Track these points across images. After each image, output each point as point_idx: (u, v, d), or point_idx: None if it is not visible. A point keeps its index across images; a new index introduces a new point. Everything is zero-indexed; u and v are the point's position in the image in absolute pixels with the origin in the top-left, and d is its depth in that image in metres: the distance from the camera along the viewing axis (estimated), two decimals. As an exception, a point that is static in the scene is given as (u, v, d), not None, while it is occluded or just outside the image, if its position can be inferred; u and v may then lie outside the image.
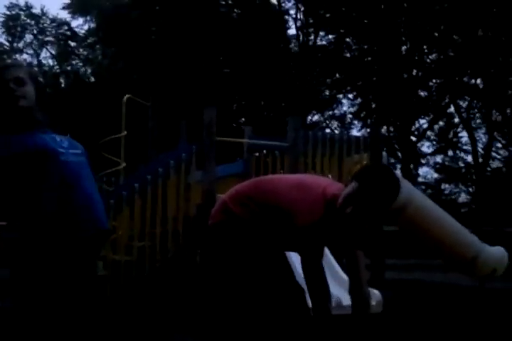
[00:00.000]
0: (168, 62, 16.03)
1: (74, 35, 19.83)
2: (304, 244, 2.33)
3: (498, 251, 4.88)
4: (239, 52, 16.89)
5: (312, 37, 18.84)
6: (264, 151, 6.36)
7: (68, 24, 19.74)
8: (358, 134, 17.70)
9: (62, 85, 18.72)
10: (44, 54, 20.83)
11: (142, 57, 16.37)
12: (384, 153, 6.35)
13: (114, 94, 12.38)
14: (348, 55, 18.96)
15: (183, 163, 5.21)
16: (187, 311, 4.77)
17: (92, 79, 18.82)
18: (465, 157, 20.63)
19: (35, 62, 20.29)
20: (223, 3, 18.30)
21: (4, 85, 2.02)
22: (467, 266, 5.72)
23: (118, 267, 4.78)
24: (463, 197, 21.56)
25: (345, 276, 4.44)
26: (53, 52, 20.64)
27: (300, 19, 18.75)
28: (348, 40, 18.74)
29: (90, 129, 14.37)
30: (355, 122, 20.25)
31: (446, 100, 18.76)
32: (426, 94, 18.89)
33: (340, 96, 20.02)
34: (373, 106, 19.06)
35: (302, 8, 18.62)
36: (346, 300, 3.75)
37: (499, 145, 19.95)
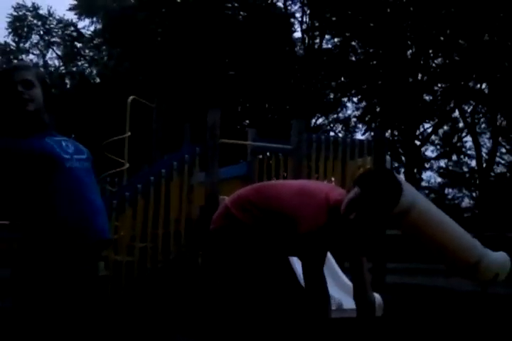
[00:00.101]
0: (173, 63, 16.06)
1: (80, 36, 19.89)
2: (306, 250, 2.32)
3: (500, 256, 4.85)
4: (244, 55, 16.91)
5: (318, 40, 18.87)
6: (268, 154, 6.37)
7: (75, 25, 19.82)
8: (362, 138, 17.70)
9: (68, 86, 18.77)
10: (50, 55, 20.93)
11: (148, 59, 16.40)
12: (388, 157, 6.34)
13: (119, 95, 12.42)
14: (353, 58, 18.96)
15: (187, 164, 5.22)
16: (189, 312, 4.77)
17: (98, 80, 18.86)
18: (469, 162, 20.64)
19: (41, 62, 20.37)
20: (229, 5, 18.34)
21: (12, 88, 2.00)
22: (469, 270, 5.70)
23: (119, 267, 4.78)
24: (466, 202, 21.54)
25: (346, 280, 4.43)
26: (59, 52, 20.71)
27: (306, 22, 18.79)
28: (353, 43, 18.76)
29: (95, 130, 14.40)
30: (360, 126, 20.27)
31: (451, 105, 18.74)
32: (431, 98, 18.87)
33: (345, 99, 20.04)
34: (378, 109, 19.06)
35: (308, 12, 18.65)
36: (347, 303, 3.75)
37: (503, 150, 19.94)
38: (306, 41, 18.73)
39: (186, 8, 16.55)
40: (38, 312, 1.87)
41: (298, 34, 19.34)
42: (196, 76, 16.00)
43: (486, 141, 19.84)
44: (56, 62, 21.01)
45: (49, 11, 20.00)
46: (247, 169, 6.35)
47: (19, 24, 19.66)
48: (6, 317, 1.91)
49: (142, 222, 4.98)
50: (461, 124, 19.61)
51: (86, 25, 21.74)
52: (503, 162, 20.18)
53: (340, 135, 19.31)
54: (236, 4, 18.51)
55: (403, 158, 18.87)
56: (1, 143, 1.96)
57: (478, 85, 18.47)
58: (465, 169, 20.93)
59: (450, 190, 21.83)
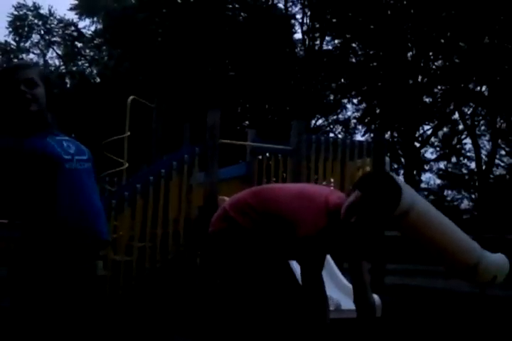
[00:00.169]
0: (173, 64, 16.07)
1: (80, 35, 19.90)
2: (305, 254, 2.32)
3: (499, 258, 4.85)
4: (244, 56, 16.92)
5: (318, 41, 18.87)
6: (267, 154, 6.37)
7: (75, 25, 19.84)
8: (362, 139, 17.70)
9: (68, 85, 18.77)
10: (50, 54, 20.93)
11: (148, 59, 16.41)
12: (387, 159, 6.34)
13: (119, 95, 12.42)
14: (353, 60, 18.97)
15: (186, 164, 5.22)
16: (187, 312, 4.77)
17: (98, 79, 18.87)
18: (468, 164, 20.64)
19: (41, 62, 20.36)
20: (230, 6, 18.34)
21: (15, 87, 1.98)
22: (468, 272, 5.69)
23: (118, 267, 4.78)
24: (465, 204, 21.53)
25: (345, 280, 4.43)
26: (60, 52, 20.73)
27: (306, 24, 18.80)
28: (353, 45, 18.76)
29: (94, 129, 14.39)
30: (359, 127, 20.27)
31: (451, 107, 18.75)
32: (431, 100, 18.88)
33: (345, 100, 20.04)
34: (378, 111, 19.07)
35: (309, 13, 18.66)
36: (345, 303, 3.75)
37: (503, 152, 19.94)
38: (307, 42, 18.74)
39: (187, 8, 16.56)
40: (36, 311, 1.87)
41: (298, 35, 19.43)
42: (196, 76, 16.00)
43: (485, 143, 19.87)
44: (56, 62, 21.04)
45: (50, 11, 20.04)
46: (247, 170, 6.36)
47: (20, 23, 19.67)
48: (5, 317, 1.90)
49: (141, 221, 4.98)
50: (460, 126, 19.63)
51: (86, 25, 21.74)
52: (502, 164, 20.20)
53: (339, 136, 19.31)
54: (237, 5, 18.52)
55: (403, 160, 18.88)
56: (4, 143, 1.95)
57: (478, 87, 18.49)
58: (464, 171, 20.94)
59: (449, 192, 21.85)
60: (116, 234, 4.92)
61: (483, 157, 19.19)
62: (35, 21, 19.94)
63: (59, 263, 1.90)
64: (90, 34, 19.69)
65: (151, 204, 5.02)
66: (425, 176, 21.31)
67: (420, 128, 18.97)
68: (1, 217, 1.99)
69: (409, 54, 18.09)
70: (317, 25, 18.68)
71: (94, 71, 19.44)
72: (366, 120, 19.35)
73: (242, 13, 18.51)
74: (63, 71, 19.92)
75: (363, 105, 19.54)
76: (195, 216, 5.24)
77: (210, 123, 5.23)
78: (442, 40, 17.32)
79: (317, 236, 2.26)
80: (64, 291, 1.90)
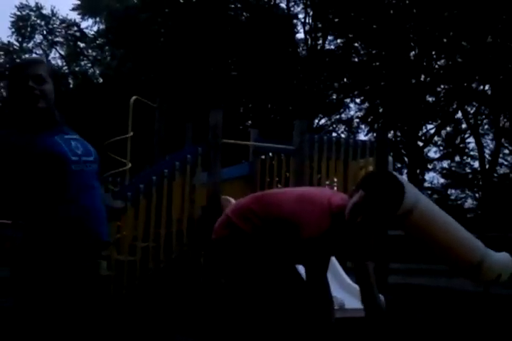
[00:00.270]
0: (176, 64, 16.07)
1: (83, 36, 19.92)
2: (309, 256, 2.31)
3: (503, 257, 4.84)
4: (247, 56, 16.92)
5: (320, 41, 18.85)
6: (270, 154, 6.37)
7: (78, 25, 19.86)
8: (365, 138, 17.68)
9: (71, 86, 18.80)
10: (53, 54, 20.95)
11: (150, 59, 16.42)
12: (390, 158, 6.33)
13: (122, 95, 12.42)
14: (356, 59, 18.95)
15: (189, 164, 5.22)
16: (189, 312, 4.77)
17: (101, 80, 18.89)
18: (472, 163, 20.60)
19: (44, 62, 20.37)
20: (232, 6, 18.34)
21: (23, 83, 1.97)
22: (472, 271, 5.69)
23: (122, 267, 4.79)
24: (469, 203, 21.49)
25: (348, 280, 4.43)
26: (62, 52, 20.75)
27: (309, 23, 18.77)
28: (356, 44, 18.74)
29: (97, 129, 14.41)
30: (362, 126, 20.25)
31: (454, 106, 18.72)
32: (434, 99, 18.85)
33: (348, 100, 20.02)
34: (380, 110, 19.04)
35: (311, 13, 18.64)
36: (349, 303, 3.75)
37: (506, 151, 19.90)
38: (309, 42, 18.72)
39: (189, 8, 16.56)
40: (39, 311, 1.87)
41: (301, 35, 19.33)
42: (199, 76, 16.01)
43: (488, 142, 19.83)
44: (59, 62, 21.06)
45: (52, 11, 20.07)
46: (249, 169, 6.36)
47: (22, 24, 19.70)
48: (8, 316, 1.90)
49: (144, 221, 4.99)
50: (464, 125, 19.60)
51: (89, 25, 21.78)
52: (506, 163, 20.16)
53: (342, 136, 19.30)
54: (239, 5, 18.52)
55: (406, 159, 18.85)
56: (16, 139, 1.94)
57: (481, 86, 18.45)
58: (468, 170, 20.90)
59: (453, 191, 21.81)
60: (120, 234, 4.93)
61: (487, 156, 19.17)
62: (38, 21, 19.97)
63: (60, 263, 1.90)
64: (93, 34, 19.73)
65: (154, 205, 5.02)
66: (429, 175, 21.29)
67: (423, 127, 18.95)
68: (5, 216, 1.99)
69: (412, 53, 18.07)
70: (319, 25, 18.67)
71: (97, 71, 19.48)
72: (369, 119, 19.32)
73: (244, 13, 18.51)
74: (66, 71, 19.96)
75: (366, 104, 19.52)
76: (199, 216, 5.24)
77: (212, 123, 5.23)
78: (445, 40, 17.28)
79: (321, 237, 2.26)
80: (66, 291, 1.90)
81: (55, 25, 20.14)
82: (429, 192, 20.43)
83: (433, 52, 17.96)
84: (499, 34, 16.32)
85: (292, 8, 18.89)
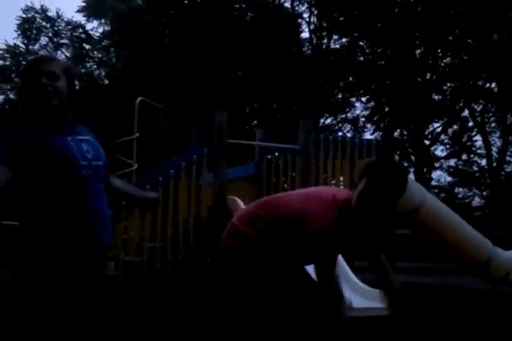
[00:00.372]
0: (181, 65, 16.10)
1: (88, 37, 19.99)
2: (318, 252, 2.30)
3: (511, 255, 4.80)
4: (252, 56, 16.92)
5: (325, 40, 18.83)
6: (276, 154, 6.36)
7: (83, 27, 19.93)
8: (371, 137, 17.65)
9: (77, 87, 18.86)
10: (59, 56, 21.02)
11: (155, 60, 16.45)
12: (396, 157, 6.31)
13: (127, 96, 12.45)
14: (361, 58, 18.92)
15: (195, 165, 5.23)
16: (196, 312, 4.77)
17: (106, 81, 18.95)
18: (479, 161, 20.52)
19: (50, 64, 20.43)
20: (236, 6, 18.35)
21: (37, 80, 1.97)
22: (480, 269, 5.66)
23: (129, 268, 4.80)
24: (477, 201, 21.42)
25: (355, 279, 4.42)
26: (68, 54, 20.81)
27: (313, 22, 18.76)
28: (361, 43, 18.71)
29: (103, 131, 14.44)
30: (368, 125, 20.21)
31: (461, 104, 18.65)
32: (440, 97, 18.79)
33: (353, 99, 19.99)
34: (386, 109, 19.00)
35: (315, 12, 18.62)
36: (357, 302, 3.74)
37: (514, 149, 19.80)
38: (314, 41, 18.71)
39: (194, 9, 16.59)
40: (45, 311, 1.87)
41: (305, 34, 19.37)
42: (204, 77, 16.02)
43: (496, 140, 19.74)
44: (65, 64, 21.08)
45: (57, 13, 20.15)
46: (255, 169, 6.35)
47: (28, 26, 19.79)
48: (14, 317, 1.91)
49: (151, 222, 5.00)
50: (470, 123, 19.52)
51: (94, 27, 21.83)
52: (513, 161, 20.06)
53: (348, 135, 19.27)
54: (243, 5, 18.52)
55: (413, 158, 18.80)
56: (31, 135, 1.93)
57: (488, 84, 18.38)
58: (475, 168, 20.82)
59: (460, 189, 21.73)
60: (127, 235, 4.94)
61: (494, 154, 19.08)
62: (44, 24, 20.06)
63: (64, 263, 1.90)
64: (98, 36, 19.79)
65: (161, 205, 5.03)
66: (436, 174, 21.23)
67: (430, 125, 18.90)
68: (13, 217, 2.00)
69: (418, 51, 18.02)
70: (324, 24, 18.65)
71: (103, 73, 19.54)
72: (375, 118, 19.29)
73: (248, 13, 18.51)
74: (72, 73, 19.98)
75: (372, 103, 19.48)
76: (205, 216, 5.24)
77: (217, 123, 5.24)
78: (450, 38, 17.22)
79: (329, 231, 2.25)
80: (69, 291, 1.90)
81: (60, 27, 20.23)
82: (436, 190, 20.37)
83: (439, 50, 17.90)
84: (505, 31, 16.24)
85: (297, 8, 18.90)
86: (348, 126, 20.84)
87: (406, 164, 18.90)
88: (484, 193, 20.88)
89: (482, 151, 19.64)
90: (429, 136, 19.09)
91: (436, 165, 20.53)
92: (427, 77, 17.92)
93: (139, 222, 4.99)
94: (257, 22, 17.48)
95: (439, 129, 19.36)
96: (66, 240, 1.91)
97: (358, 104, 20.17)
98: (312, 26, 18.72)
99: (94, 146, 2.06)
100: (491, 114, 19.39)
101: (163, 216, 5.00)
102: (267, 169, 6.30)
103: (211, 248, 5.09)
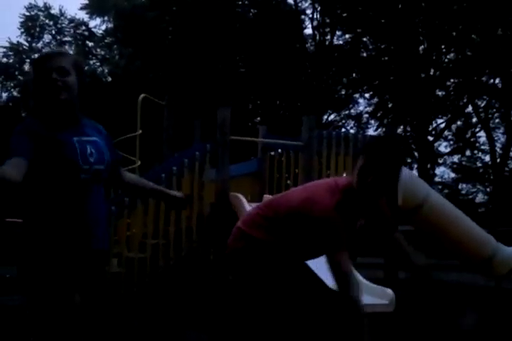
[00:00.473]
0: (184, 62, 16.09)
1: (91, 35, 19.98)
2: (327, 241, 2.25)
3: (514, 252, 4.78)
4: (255, 52, 16.90)
5: (329, 36, 18.79)
6: (279, 150, 6.35)
7: (86, 24, 19.91)
8: (375, 134, 17.64)
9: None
10: (63, 53, 21.00)
11: (158, 57, 16.44)
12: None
13: (130, 93, 12.46)
14: (364, 54, 18.87)
15: (197, 161, 5.23)
16: (200, 309, 4.78)
17: (109, 78, 18.95)
18: (483, 157, 20.46)
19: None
20: (239, 3, 18.32)
21: (47, 75, 1.95)
22: (483, 265, 5.66)
23: (132, 264, 4.81)
24: (480, 197, 21.36)
25: (359, 276, 4.41)
26: (71, 52, 20.82)
27: (316, 19, 18.71)
28: (364, 39, 18.66)
29: (106, 128, 14.43)
30: (372, 122, 20.17)
31: (464, 100, 18.59)
32: (443, 93, 18.73)
33: (357, 95, 19.95)
34: (390, 105, 18.96)
35: (319, 8, 18.57)
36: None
37: (518, 145, 19.72)
38: (317, 38, 18.66)
39: (196, 6, 16.56)
40: (49, 308, 1.87)
41: (309, 31, 19.27)
42: (207, 73, 16.01)
43: (499, 136, 19.67)
44: (68, 62, 21.08)
45: (61, 11, 20.13)
46: (258, 166, 6.35)
47: (31, 24, 19.78)
48: (15, 315, 1.91)
49: (154, 218, 5.00)
50: (474, 119, 19.45)
51: (97, 25, 21.84)
52: (517, 157, 19.99)
53: (352, 131, 19.23)
54: (246, 1, 18.49)
55: (416, 154, 18.76)
56: (40, 129, 1.91)
57: (492, 80, 18.31)
58: (479, 164, 20.76)
59: (464, 185, 21.68)
60: (130, 232, 4.95)
61: (498, 150, 19.02)
62: (47, 21, 20.05)
63: (62, 262, 1.90)
64: (101, 33, 19.77)
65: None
66: (439, 170, 21.19)
67: (433, 121, 18.85)
68: (16, 214, 2.00)
69: (421, 47, 17.96)
70: (327, 20, 18.60)
71: (106, 70, 19.52)
72: (378, 114, 19.24)
73: (251, 10, 18.48)
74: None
75: (375, 99, 19.44)
76: (208, 212, 5.25)
77: (220, 120, 5.24)
78: (454, 33, 17.16)
79: (334, 213, 2.22)
80: (70, 288, 1.90)
81: (63, 25, 20.23)
82: (440, 186, 20.33)
83: (442, 46, 17.84)
84: (509, 27, 16.17)
85: (300, 4, 18.85)
86: (352, 123, 20.82)
87: (409, 160, 18.87)
88: (488, 189, 20.83)
89: (486, 147, 19.59)
90: (433, 132, 19.05)
91: (440, 161, 20.49)
92: (431, 73, 17.87)
93: (141, 219, 5.00)
94: (260, 18, 17.45)
95: (442, 125, 19.32)
96: (59, 240, 1.90)
97: (361, 100, 20.15)
98: (315, 22, 18.69)
99: (99, 149, 2.04)
100: (494, 110, 19.32)
101: (166, 212, 5.01)
102: (270, 166, 6.30)
103: (214, 244, 5.10)
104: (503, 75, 17.27)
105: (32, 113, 1.99)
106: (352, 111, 20.56)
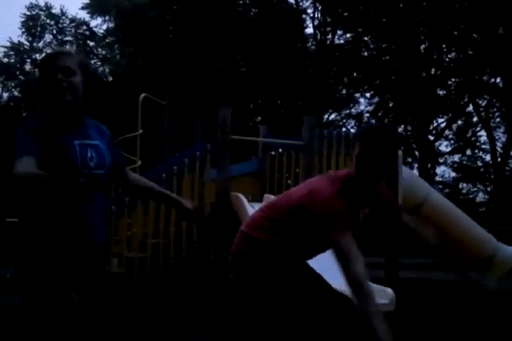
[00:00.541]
0: (185, 61, 16.10)
1: (92, 34, 19.99)
2: (329, 225, 2.18)
3: (514, 251, 4.78)
4: (256, 52, 16.90)
5: (329, 36, 18.79)
6: (280, 150, 6.36)
7: (87, 24, 19.92)
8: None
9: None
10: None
11: (159, 57, 16.45)
12: (400, 152, 6.30)
13: (131, 92, 12.46)
14: (365, 53, 18.87)
15: (198, 161, 5.23)
16: (200, 308, 4.79)
17: (110, 78, 18.95)
18: (483, 156, 20.45)
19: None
20: (240, 2, 18.32)
21: (52, 75, 1.94)
22: (484, 264, 5.64)
23: (132, 264, 4.81)
24: (481, 197, 21.36)
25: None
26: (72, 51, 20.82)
27: (317, 18, 18.71)
28: (365, 38, 18.65)
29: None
30: (373, 121, 20.15)
31: (465, 99, 18.59)
32: (444, 92, 18.73)
33: (358, 95, 19.95)
34: (391, 105, 18.96)
35: (320, 7, 18.57)
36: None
37: (519, 144, 19.70)
38: (318, 37, 18.65)
39: (197, 5, 16.56)
40: (46, 308, 1.87)
41: (310, 30, 19.28)
42: (208, 73, 16.02)
43: (500, 135, 19.66)
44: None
45: (62, 10, 20.14)
46: (259, 165, 6.36)
47: (32, 23, 19.79)
48: (14, 315, 1.92)
49: (154, 218, 5.01)
50: (475, 119, 19.45)
51: (98, 24, 21.90)
52: (518, 156, 19.97)
53: (352, 131, 19.23)
54: (247, 1, 18.48)
55: (417, 153, 18.76)
56: (43, 128, 1.89)
57: (493, 79, 18.30)
58: (479, 163, 20.76)
59: (464, 185, 21.68)
60: (130, 232, 4.95)
61: (499, 149, 19.02)
62: (48, 21, 20.06)
63: (60, 262, 1.90)
64: (102, 33, 19.78)
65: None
66: (440, 169, 21.20)
67: (434, 121, 18.85)
68: (14, 214, 1.99)
69: (422, 46, 17.95)
70: (328, 20, 18.60)
71: (107, 69, 19.53)
72: (379, 114, 19.24)
73: (252, 9, 18.47)
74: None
75: (376, 99, 19.44)
76: (208, 212, 5.25)
77: (221, 119, 5.24)
78: (455, 32, 17.15)
79: (335, 201, 2.21)
80: (68, 287, 1.90)
81: (64, 25, 20.23)
82: (441, 186, 20.32)
83: (443, 45, 17.83)
84: (510, 26, 16.16)
85: (301, 3, 18.84)
86: (353, 122, 20.82)
87: (410, 159, 18.86)
88: (488, 189, 20.83)
89: (486, 147, 19.59)
90: (434, 132, 19.05)
91: (441, 160, 20.49)
92: (432, 72, 17.86)
93: (142, 219, 5.01)
94: (261, 18, 17.45)
95: (443, 124, 19.32)
96: (56, 240, 1.90)
97: (362, 100, 20.15)
98: (316, 22, 18.69)
99: (100, 153, 2.02)
100: (495, 109, 19.31)
101: (166, 212, 5.01)
102: (271, 165, 6.30)
103: (215, 244, 5.10)
104: (504, 74, 17.26)
105: (36, 113, 1.98)
106: (353, 110, 20.59)
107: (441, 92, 18.67)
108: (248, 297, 2.53)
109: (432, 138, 18.82)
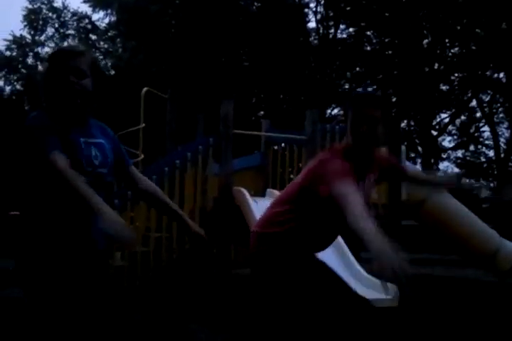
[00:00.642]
0: (187, 55, 16.06)
1: (94, 28, 19.95)
2: (342, 199, 2.07)
3: (518, 247, 4.76)
4: (258, 46, 16.85)
5: (332, 30, 18.71)
6: (283, 144, 6.34)
7: (89, 17, 19.89)
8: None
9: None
10: (65, 47, 20.96)
11: (161, 51, 16.41)
12: (403, 147, 6.28)
13: (134, 86, 12.45)
14: (368, 48, 18.80)
15: (200, 155, 5.22)
16: (203, 302, 4.78)
17: (112, 72, 18.92)
18: (487, 152, 20.41)
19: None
20: (243, -4, 18.25)
21: (63, 76, 1.89)
22: (487, 260, 5.63)
23: (135, 258, 4.81)
24: (484, 193, 21.31)
25: (361, 269, 4.41)
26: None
27: (320, 12, 18.64)
28: (368, 33, 18.59)
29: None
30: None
31: (469, 94, 18.53)
32: (447, 88, 18.67)
33: (360, 89, 19.88)
34: (394, 99, 18.90)
35: (322, 1, 18.50)
36: (361, 292, 3.72)
37: (522, 140, 19.66)
38: (321, 31, 18.60)
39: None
40: (47, 302, 1.86)
41: (312, 24, 19.20)
42: (210, 67, 15.98)
43: (504, 131, 19.62)
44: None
45: (63, 4, 20.12)
46: (261, 160, 6.35)
47: (34, 17, 19.77)
48: (15, 307, 1.90)
49: (157, 212, 4.99)
50: (478, 114, 19.40)
51: (100, 18, 21.82)
52: (521, 152, 19.92)
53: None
54: (250, -5, 18.42)
55: (420, 149, 18.73)
56: (49, 123, 1.86)
57: (496, 74, 18.24)
58: (483, 159, 20.72)
59: (468, 181, 21.63)
60: (133, 225, 4.95)
61: (502, 145, 18.98)
62: (50, 15, 20.03)
63: (62, 256, 1.89)
64: (104, 26, 19.74)
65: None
66: (443, 165, 21.14)
67: (437, 116, 18.80)
68: (16, 207, 1.98)
69: (425, 41, 17.88)
70: (331, 14, 18.53)
71: (109, 63, 19.49)
72: (382, 109, 19.18)
73: (255, 3, 18.40)
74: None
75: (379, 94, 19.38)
76: (211, 207, 5.24)
77: (223, 113, 5.22)
78: (458, 27, 17.08)
79: (340, 161, 2.19)
80: (70, 282, 1.89)
81: (66, 18, 20.20)
82: (443, 181, 20.25)
83: (446, 40, 17.76)
84: (514, 21, 16.08)
85: (303, -3, 18.77)
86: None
87: (413, 155, 18.83)
88: (492, 184, 20.80)
89: (490, 142, 19.55)
90: (437, 127, 19.00)
91: (444, 156, 20.46)
92: (435, 67, 17.80)
93: (145, 213, 5.00)
94: (264, 12, 17.38)
95: (446, 120, 19.27)
96: (57, 235, 1.89)
97: (365, 95, 20.06)
98: (319, 16, 18.62)
99: (104, 152, 2.00)
100: (499, 105, 19.26)
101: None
102: (273, 159, 6.29)
103: (217, 238, 5.09)
104: (507, 70, 17.19)
105: (45, 109, 1.94)
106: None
107: (444, 87, 18.62)
108: (265, 294, 2.50)
109: (435, 133, 18.78)
